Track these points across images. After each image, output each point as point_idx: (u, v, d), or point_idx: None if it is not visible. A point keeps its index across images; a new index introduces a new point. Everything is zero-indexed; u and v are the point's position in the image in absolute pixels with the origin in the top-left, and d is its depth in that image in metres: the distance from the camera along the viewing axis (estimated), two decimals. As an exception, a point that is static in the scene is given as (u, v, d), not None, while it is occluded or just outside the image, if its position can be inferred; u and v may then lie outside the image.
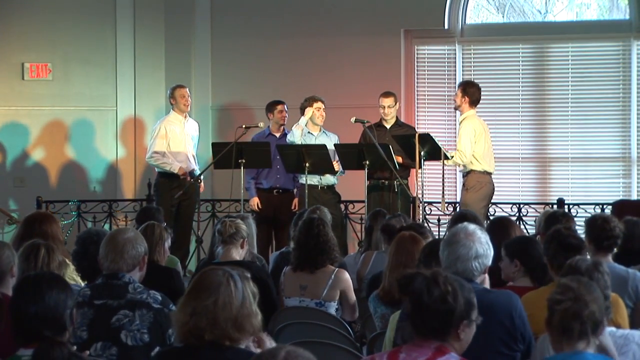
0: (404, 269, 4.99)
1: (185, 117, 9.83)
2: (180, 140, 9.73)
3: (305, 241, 5.85)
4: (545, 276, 4.85)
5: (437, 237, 8.92)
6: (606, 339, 3.53)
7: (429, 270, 3.30)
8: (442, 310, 3.17)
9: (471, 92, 9.09)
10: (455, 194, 10.42)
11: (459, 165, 9.21)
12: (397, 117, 9.55)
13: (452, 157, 8.98)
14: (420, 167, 8.78)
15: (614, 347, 3.58)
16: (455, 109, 9.33)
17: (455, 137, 10.52)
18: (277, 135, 9.65)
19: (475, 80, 10.65)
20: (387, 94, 9.48)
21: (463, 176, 9.22)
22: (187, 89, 9.88)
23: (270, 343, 3.42)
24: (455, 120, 10.74)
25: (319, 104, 9.39)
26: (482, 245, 4.08)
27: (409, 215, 8.47)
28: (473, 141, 9.05)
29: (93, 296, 4.20)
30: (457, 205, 9.82)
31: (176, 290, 4.99)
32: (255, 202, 9.59)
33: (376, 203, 9.00)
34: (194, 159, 9.83)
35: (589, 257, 4.79)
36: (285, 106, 9.67)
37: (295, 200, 9.54)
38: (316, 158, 9.01)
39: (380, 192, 9.27)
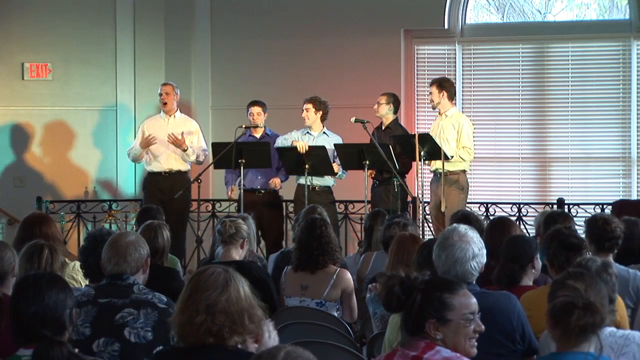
0: (403, 270, 4.98)
1: (171, 115, 9.78)
2: (159, 138, 9.67)
3: (307, 242, 5.86)
4: (511, 279, 4.84)
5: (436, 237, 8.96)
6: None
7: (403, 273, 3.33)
8: (407, 306, 3.22)
9: (447, 86, 9.12)
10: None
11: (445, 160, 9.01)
12: (395, 119, 9.50)
13: (455, 155, 8.90)
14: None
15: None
16: (434, 107, 9.24)
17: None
18: (257, 136, 9.59)
19: (475, 80, 10.71)
20: (383, 93, 9.52)
21: (445, 175, 9.02)
22: (170, 86, 9.81)
23: (270, 331, 3.39)
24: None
25: (304, 105, 9.38)
26: (476, 244, 4.09)
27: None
28: (472, 139, 9.07)
29: (98, 295, 4.21)
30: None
31: (178, 290, 4.98)
32: (232, 190, 9.56)
33: (374, 203, 9.05)
34: (181, 157, 9.72)
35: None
36: (257, 107, 9.55)
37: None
38: (316, 160, 9.00)
39: (377, 191, 9.28)
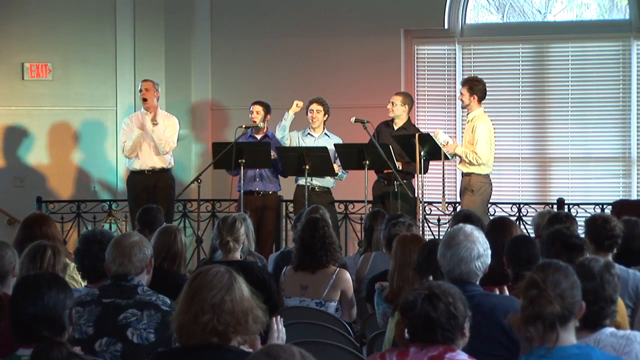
0: (411, 269, 4.98)
1: (151, 112, 9.59)
2: (140, 135, 9.58)
3: (310, 243, 5.84)
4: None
5: (436, 237, 8.97)
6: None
7: (422, 287, 3.34)
8: (450, 319, 3.26)
9: (478, 89, 9.04)
10: (455, 194, 10.40)
11: (462, 162, 9.06)
12: (408, 119, 9.45)
13: (465, 154, 8.90)
14: (422, 171, 8.74)
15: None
16: (463, 107, 9.26)
17: (456, 135, 10.52)
18: (258, 137, 9.53)
19: (476, 80, 10.65)
20: (398, 92, 9.52)
21: (463, 175, 9.15)
22: (150, 82, 9.61)
23: (279, 330, 3.41)
24: (456, 120, 10.75)
25: (312, 106, 9.37)
26: (482, 244, 4.10)
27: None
28: (491, 145, 9.01)
29: (102, 295, 4.22)
30: (457, 206, 9.78)
31: None
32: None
33: (378, 203, 9.05)
34: (157, 152, 9.59)
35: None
36: (257, 106, 9.48)
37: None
38: (316, 160, 8.99)
39: (381, 192, 9.28)
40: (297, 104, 9.27)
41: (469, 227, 4.14)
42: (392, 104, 9.36)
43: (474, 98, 9.02)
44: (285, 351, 2.52)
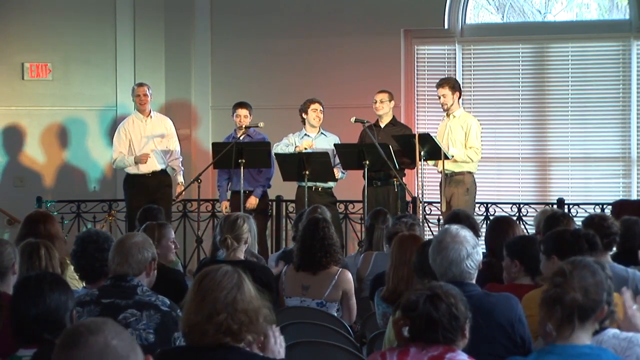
0: (406, 268, 4.99)
1: (147, 115, 9.71)
2: (139, 140, 9.65)
3: (311, 243, 5.83)
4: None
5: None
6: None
7: (424, 287, 3.36)
8: (452, 320, 3.28)
9: (458, 87, 9.14)
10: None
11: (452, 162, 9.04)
12: (393, 116, 9.50)
13: (456, 155, 8.88)
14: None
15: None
16: (446, 109, 9.16)
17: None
18: (241, 138, 9.52)
19: (475, 80, 10.68)
20: (381, 91, 9.45)
21: (451, 176, 9.06)
22: (146, 86, 9.73)
23: (276, 337, 3.40)
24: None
25: (315, 106, 9.36)
26: (470, 243, 4.09)
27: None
28: (480, 139, 9.06)
29: (101, 295, 4.23)
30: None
31: (181, 290, 4.96)
32: (225, 206, 9.57)
33: (371, 203, 9.02)
34: (163, 156, 9.69)
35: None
36: (244, 110, 9.49)
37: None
38: (316, 165, 8.96)
39: (375, 192, 9.22)
40: (309, 144, 9.22)
41: (454, 228, 4.14)
42: (379, 101, 9.33)
43: (456, 96, 9.05)
44: (89, 327, 2.31)
